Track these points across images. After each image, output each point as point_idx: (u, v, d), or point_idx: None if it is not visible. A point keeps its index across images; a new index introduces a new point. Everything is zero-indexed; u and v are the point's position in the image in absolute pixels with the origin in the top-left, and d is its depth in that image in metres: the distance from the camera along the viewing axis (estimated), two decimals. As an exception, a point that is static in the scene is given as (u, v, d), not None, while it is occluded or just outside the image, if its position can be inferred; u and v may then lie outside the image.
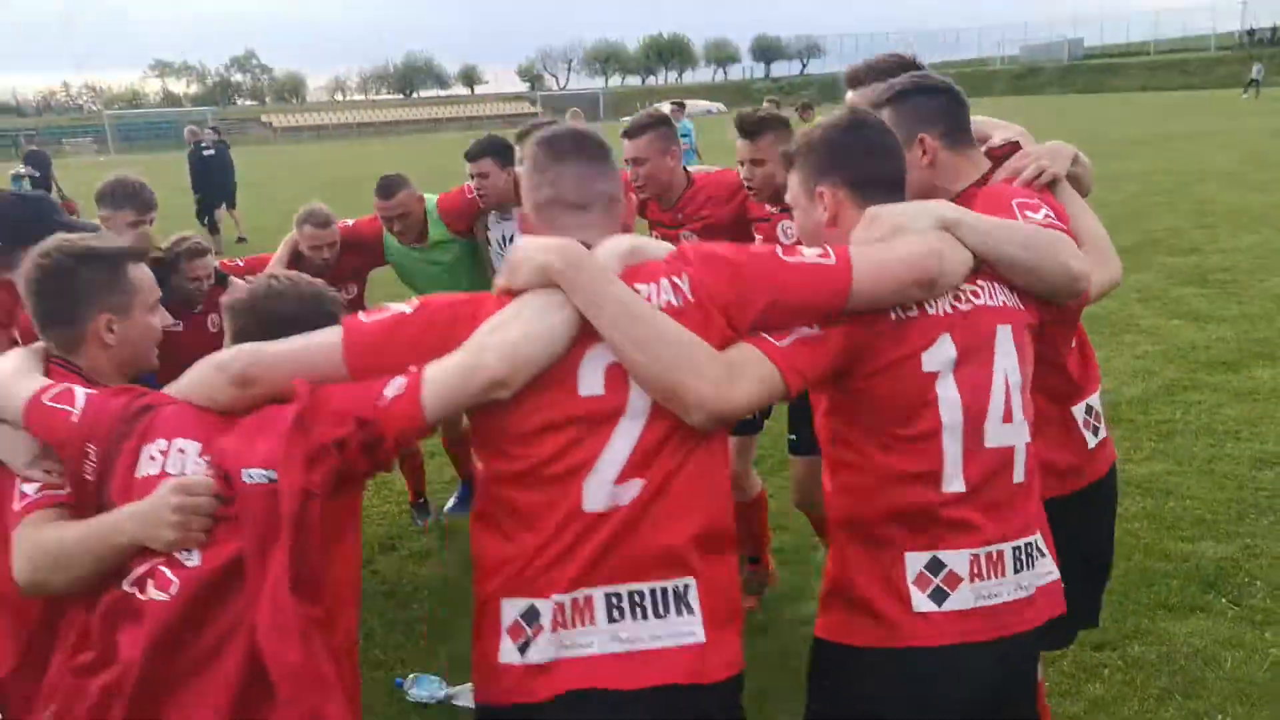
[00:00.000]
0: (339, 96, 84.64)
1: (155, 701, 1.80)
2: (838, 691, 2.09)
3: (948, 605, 1.95)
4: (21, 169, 16.57)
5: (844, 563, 2.08)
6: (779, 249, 1.98)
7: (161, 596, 1.84)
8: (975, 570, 1.97)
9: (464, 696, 3.48)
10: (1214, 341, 7.21)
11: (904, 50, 3.07)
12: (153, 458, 1.94)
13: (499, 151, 4.60)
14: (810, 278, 1.92)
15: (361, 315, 1.96)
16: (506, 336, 1.82)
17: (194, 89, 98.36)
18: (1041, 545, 2.09)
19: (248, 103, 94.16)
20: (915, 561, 1.97)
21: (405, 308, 1.94)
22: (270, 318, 2.04)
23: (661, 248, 2.03)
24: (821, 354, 1.95)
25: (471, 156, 4.65)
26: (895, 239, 1.98)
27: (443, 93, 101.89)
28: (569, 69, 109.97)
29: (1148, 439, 5.53)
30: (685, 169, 4.21)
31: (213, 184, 16.29)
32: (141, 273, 2.30)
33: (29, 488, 2.02)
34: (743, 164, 3.78)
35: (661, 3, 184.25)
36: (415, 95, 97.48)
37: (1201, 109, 35.18)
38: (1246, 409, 5.87)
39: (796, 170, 2.16)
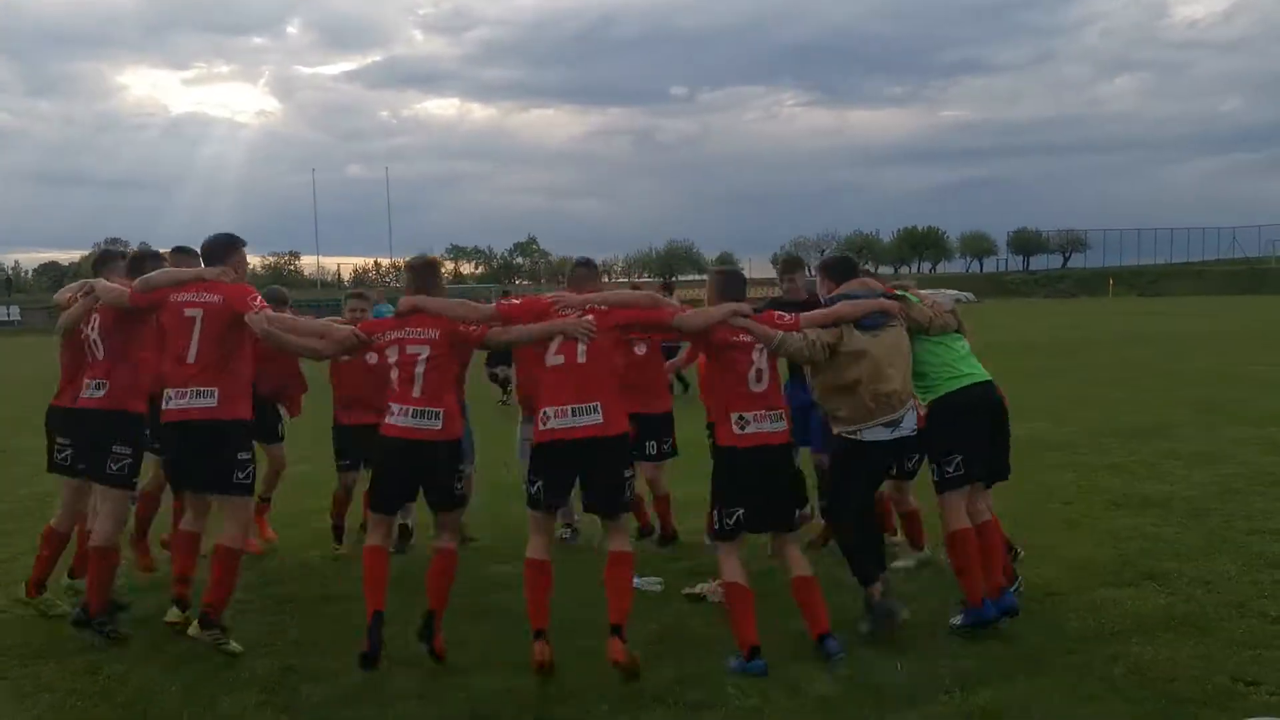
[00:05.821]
0: (606, 278, 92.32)
1: None
2: None
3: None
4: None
5: None
6: None
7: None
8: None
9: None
10: None
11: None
12: None
13: None
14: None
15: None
16: None
17: (480, 270, 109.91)
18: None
19: (525, 283, 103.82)
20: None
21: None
22: None
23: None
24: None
25: None
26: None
27: (699, 276, 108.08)
28: (821, 256, 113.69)
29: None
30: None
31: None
32: None
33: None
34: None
35: (918, 201, 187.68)
36: (674, 279, 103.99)
37: None
38: None
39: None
